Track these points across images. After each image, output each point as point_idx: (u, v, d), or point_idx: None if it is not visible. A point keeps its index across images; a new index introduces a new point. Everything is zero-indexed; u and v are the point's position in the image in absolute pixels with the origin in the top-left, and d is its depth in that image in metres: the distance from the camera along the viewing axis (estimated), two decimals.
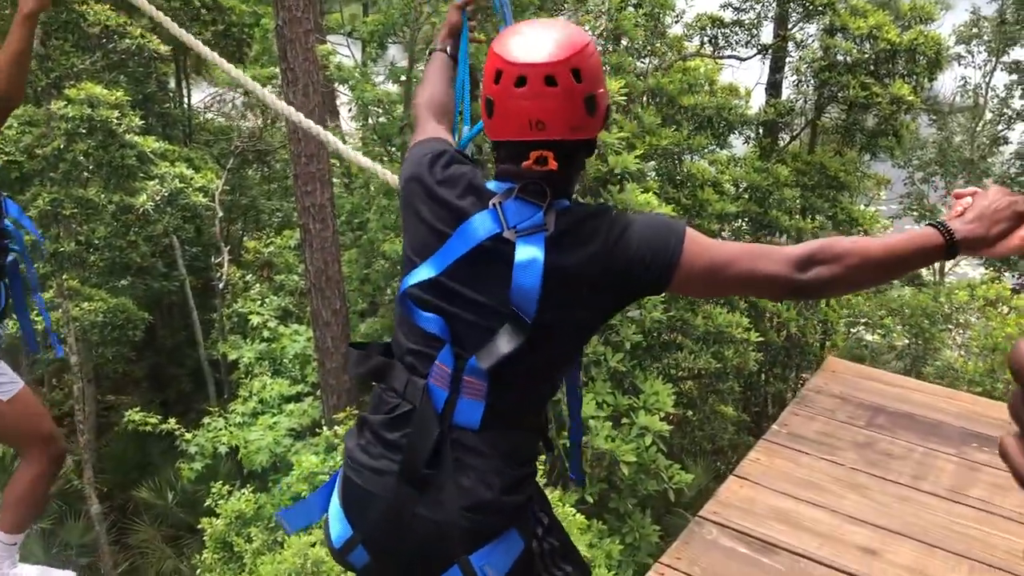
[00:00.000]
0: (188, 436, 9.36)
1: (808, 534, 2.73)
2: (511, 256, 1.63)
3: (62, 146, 10.27)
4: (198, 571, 8.22)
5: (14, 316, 3.26)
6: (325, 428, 8.61)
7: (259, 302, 11.45)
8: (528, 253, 1.61)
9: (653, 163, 10.17)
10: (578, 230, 1.66)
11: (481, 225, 1.66)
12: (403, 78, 9.82)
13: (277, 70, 10.59)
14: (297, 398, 9.83)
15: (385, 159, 10.20)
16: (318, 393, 9.53)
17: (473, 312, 1.70)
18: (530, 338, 1.63)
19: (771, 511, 2.82)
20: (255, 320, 10.86)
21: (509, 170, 1.72)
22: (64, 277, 11.03)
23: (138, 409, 9.78)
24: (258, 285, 12.15)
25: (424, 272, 1.70)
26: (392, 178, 2.73)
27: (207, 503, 8.33)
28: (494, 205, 1.68)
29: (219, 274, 12.05)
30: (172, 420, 9.45)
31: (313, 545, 6.89)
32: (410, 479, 1.70)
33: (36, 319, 11.20)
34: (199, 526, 8.57)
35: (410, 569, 1.81)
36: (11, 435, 3.20)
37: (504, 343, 1.63)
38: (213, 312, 12.72)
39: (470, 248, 1.66)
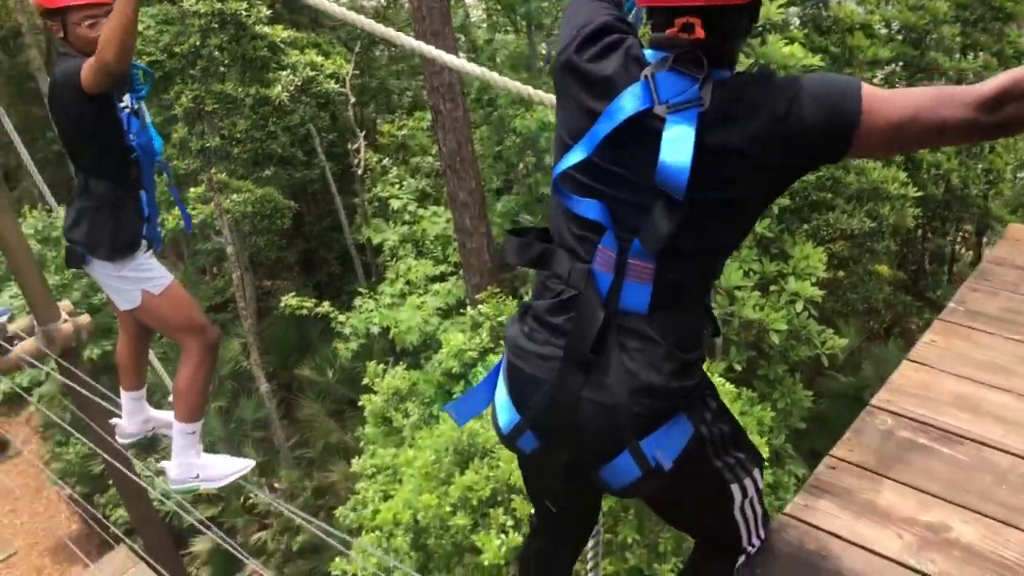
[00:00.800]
0: (342, 318, 9.77)
1: (993, 421, 2.51)
2: (661, 129, 1.52)
3: (198, 43, 10.49)
4: (361, 443, 8.72)
5: (174, 211, 3.41)
6: (469, 307, 8.79)
7: (397, 185, 11.63)
8: (678, 131, 1.50)
9: (796, 9, 9.43)
10: (738, 104, 1.52)
11: (630, 100, 1.56)
12: None
13: None
14: (441, 278, 10.05)
15: (510, 29, 9.91)
16: (461, 272, 9.69)
17: (630, 193, 1.63)
18: (690, 217, 1.55)
19: (951, 397, 2.60)
20: (395, 204, 11.05)
21: (660, 39, 1.59)
22: (212, 171, 11.48)
23: (293, 294, 10.25)
24: (395, 169, 12.30)
25: (576, 155, 1.62)
26: (475, 68, 2.58)
27: (364, 381, 8.74)
28: (645, 77, 1.56)
29: (356, 160, 12.24)
30: (326, 303, 9.86)
31: None
32: (575, 362, 1.68)
33: (192, 212, 11.82)
34: (359, 402, 9.07)
35: (579, 453, 1.80)
36: (167, 326, 3.41)
37: (663, 223, 1.55)
38: (354, 197, 13.03)
39: (619, 125, 1.56)
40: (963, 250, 13.43)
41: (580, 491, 2.12)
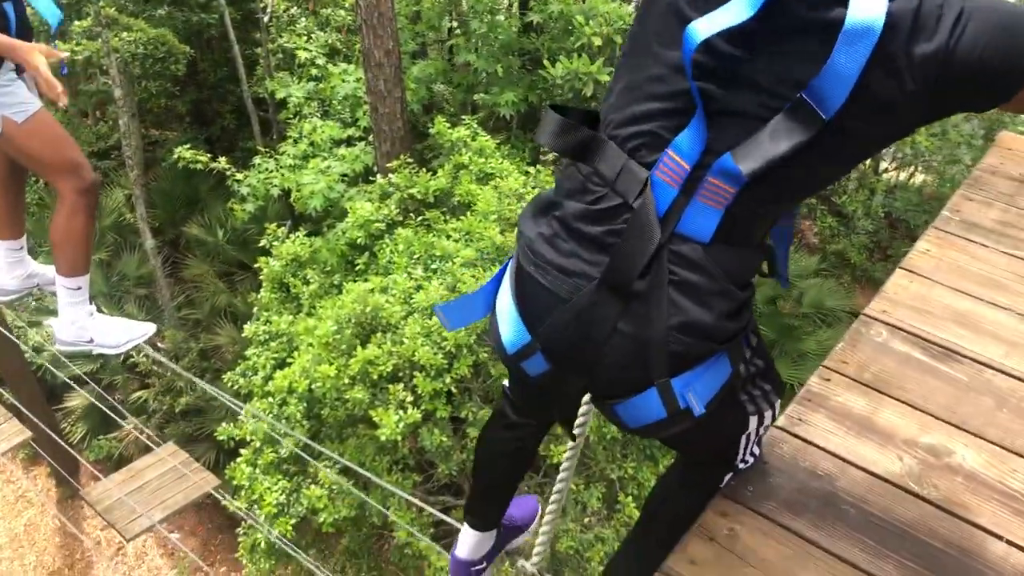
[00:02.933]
0: (239, 176, 9.21)
1: (992, 340, 2.41)
2: (835, 12, 1.20)
3: None
4: (255, 308, 8.39)
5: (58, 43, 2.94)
6: (379, 175, 8.40)
7: (305, 37, 10.85)
8: (866, 10, 1.18)
9: None
10: (920, 12, 1.20)
11: None
12: None
13: None
14: (348, 142, 9.54)
15: None
16: (370, 138, 9.21)
17: (744, 91, 1.30)
18: (811, 141, 1.25)
19: (948, 312, 2.50)
20: (302, 56, 10.30)
21: None
22: (100, 4, 10.42)
23: (188, 146, 9.56)
24: (304, 19, 11.46)
25: (706, 25, 1.24)
26: None
27: (262, 243, 8.33)
28: None
29: (263, 5, 11.33)
30: (222, 159, 9.25)
31: (371, 292, 6.93)
32: (614, 287, 1.41)
33: (77, 48, 10.80)
34: (252, 265, 8.65)
35: (594, 383, 1.57)
36: (35, 161, 2.99)
37: (780, 141, 1.25)
38: (256, 47, 12.13)
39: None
40: None
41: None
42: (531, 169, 8.13)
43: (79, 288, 3.15)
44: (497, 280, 1.70)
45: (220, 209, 11.88)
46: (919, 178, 13.55)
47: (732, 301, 1.43)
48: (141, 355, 10.03)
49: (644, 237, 1.37)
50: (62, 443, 8.45)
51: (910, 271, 2.67)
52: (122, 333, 3.25)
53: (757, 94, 1.29)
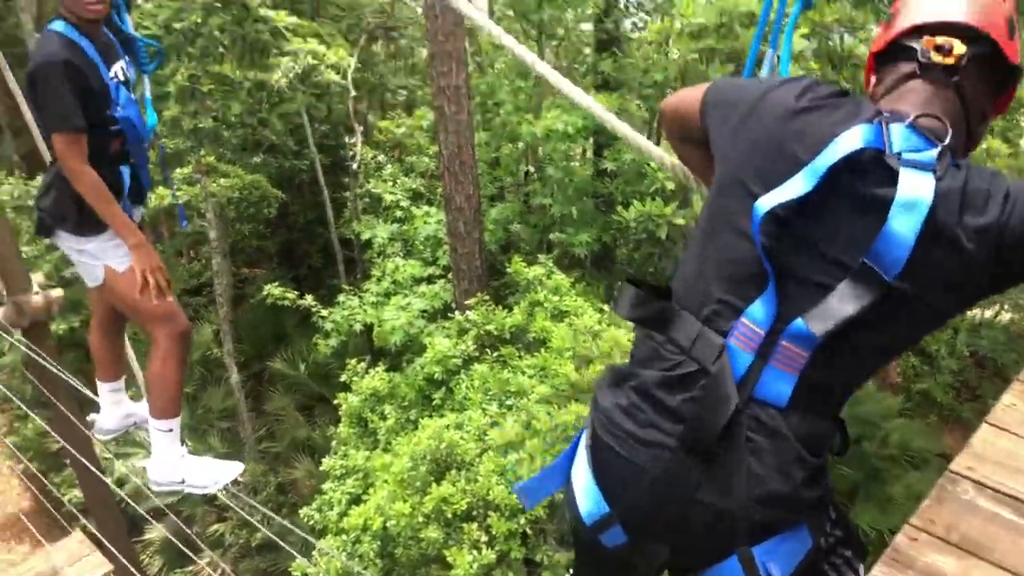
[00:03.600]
0: (324, 312, 9.56)
1: None
2: (886, 190, 1.31)
3: (199, 20, 10.24)
4: (334, 442, 8.51)
5: (158, 191, 3.19)
6: (457, 312, 8.62)
7: (391, 183, 11.43)
8: (914, 187, 1.29)
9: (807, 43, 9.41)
10: (967, 191, 1.31)
11: (855, 138, 1.34)
12: None
13: None
14: (429, 280, 9.86)
15: (521, 37, 9.77)
16: (450, 276, 9.51)
17: (810, 260, 1.38)
18: (878, 305, 1.32)
19: None
20: (388, 199, 10.84)
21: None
22: (202, 153, 11.22)
23: (276, 284, 10.01)
24: (390, 166, 12.10)
25: (771, 199, 1.36)
26: (529, 56, 2.36)
27: (343, 378, 8.53)
28: (880, 121, 1.36)
29: (352, 153, 12.03)
30: (308, 296, 9.64)
31: (447, 428, 6.98)
32: (692, 456, 1.44)
33: (178, 193, 11.57)
34: (332, 400, 8.83)
35: (674, 554, 1.57)
36: (132, 309, 3.14)
37: (847, 303, 1.33)
38: (343, 191, 12.81)
39: (835, 165, 1.33)
40: None
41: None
42: (605, 307, 8.24)
43: (171, 430, 3.26)
44: (571, 452, 1.72)
45: (304, 344, 12.26)
46: (1005, 316, 13.18)
47: (809, 468, 1.43)
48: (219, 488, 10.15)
49: (721, 401, 1.39)
50: None
51: (996, 426, 2.58)
52: (212, 474, 3.33)
53: (823, 262, 1.38)
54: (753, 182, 1.43)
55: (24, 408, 13.10)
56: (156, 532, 11.22)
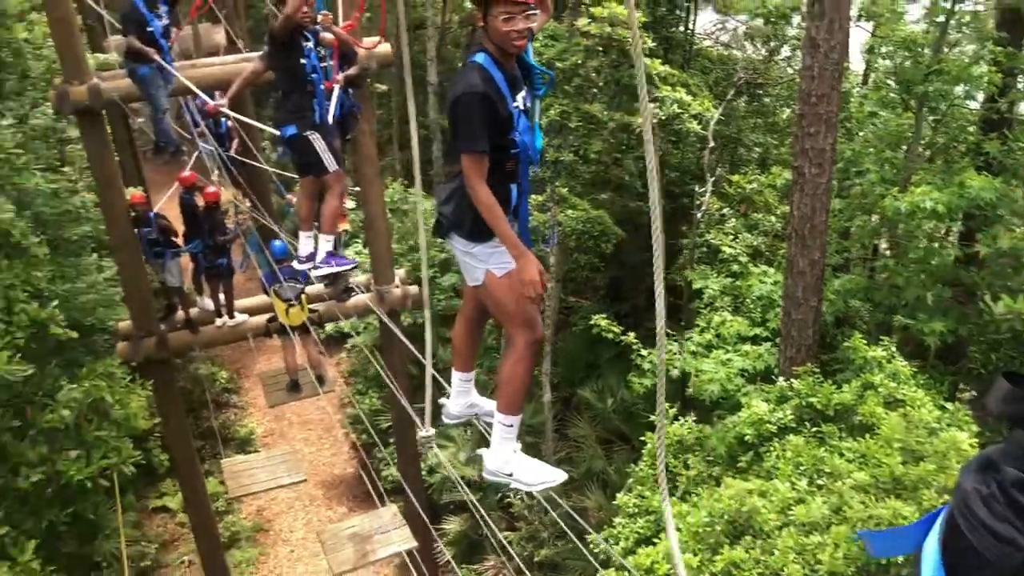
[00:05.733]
0: (644, 352, 9.71)
1: None
2: None
3: (580, 61, 10.95)
4: (630, 480, 8.60)
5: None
6: (780, 378, 8.34)
7: (732, 236, 11.36)
8: None
9: None
10: None
11: None
12: (941, 18, 8.75)
13: None
14: (754, 340, 9.65)
15: (898, 107, 9.29)
16: (777, 340, 9.23)
17: None
18: None
19: None
20: (727, 251, 10.79)
21: None
22: (557, 184, 11.94)
23: (604, 316, 10.35)
24: (733, 220, 12.05)
25: None
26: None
27: (651, 419, 8.59)
28: None
29: (699, 203, 12.15)
30: (631, 334, 9.85)
31: (750, 493, 6.78)
32: None
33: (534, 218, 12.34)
34: (632, 439, 8.94)
35: None
36: (501, 310, 3.45)
37: None
38: (682, 239, 12.95)
39: None
40: None
41: None
42: (949, 405, 7.52)
43: (511, 425, 3.55)
44: (931, 519, 1.67)
45: (614, 379, 12.54)
46: None
47: None
48: (518, 496, 10.67)
49: None
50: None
51: None
52: (540, 475, 3.58)
53: None
54: None
55: (365, 385, 14.76)
56: (454, 524, 12.04)
